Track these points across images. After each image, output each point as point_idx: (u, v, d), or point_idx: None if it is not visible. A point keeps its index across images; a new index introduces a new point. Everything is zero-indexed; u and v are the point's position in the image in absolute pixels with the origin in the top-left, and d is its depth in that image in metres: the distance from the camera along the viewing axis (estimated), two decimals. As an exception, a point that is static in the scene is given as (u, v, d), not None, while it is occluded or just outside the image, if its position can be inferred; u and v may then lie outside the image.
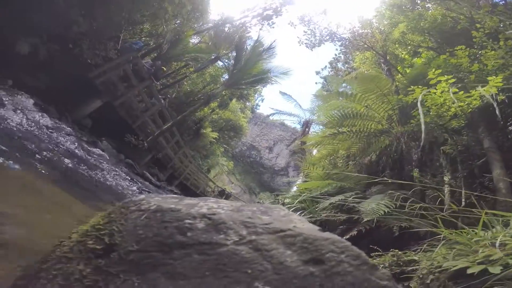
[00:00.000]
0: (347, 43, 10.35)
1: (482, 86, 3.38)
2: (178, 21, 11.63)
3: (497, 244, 1.58)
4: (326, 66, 19.45)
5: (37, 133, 4.73)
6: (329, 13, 20.98)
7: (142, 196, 1.07)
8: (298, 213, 4.87)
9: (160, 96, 11.54)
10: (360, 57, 10.14)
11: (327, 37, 10.21)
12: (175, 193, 10.49)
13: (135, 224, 0.94)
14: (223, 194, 19.53)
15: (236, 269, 0.78)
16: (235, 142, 26.09)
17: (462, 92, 3.73)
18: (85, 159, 5.46)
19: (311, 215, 5.04)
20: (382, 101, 5.77)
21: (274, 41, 15.06)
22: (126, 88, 8.94)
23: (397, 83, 6.76)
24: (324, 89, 16.99)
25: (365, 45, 8.62)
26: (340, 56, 15.72)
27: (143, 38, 12.44)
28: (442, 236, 2.05)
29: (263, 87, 22.39)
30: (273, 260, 0.80)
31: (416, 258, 2.33)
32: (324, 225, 5.15)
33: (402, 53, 8.80)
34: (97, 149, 7.10)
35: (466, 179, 4.03)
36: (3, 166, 2.88)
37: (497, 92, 3.33)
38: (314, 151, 9.78)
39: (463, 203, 3.37)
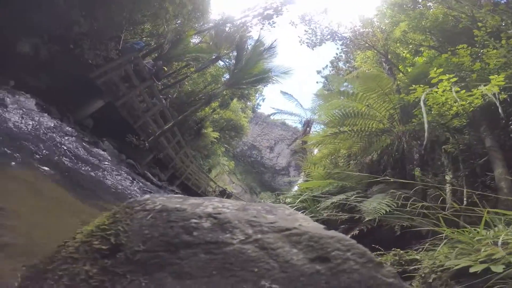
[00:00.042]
0: (348, 42, 10.34)
1: (484, 85, 3.38)
2: (179, 21, 11.63)
3: (499, 243, 1.58)
4: (327, 65, 19.43)
5: (39, 133, 4.74)
6: (330, 12, 20.95)
7: (147, 196, 1.07)
8: (300, 212, 4.87)
9: (161, 96, 11.55)
10: (361, 56, 10.13)
11: (328, 36, 10.20)
12: (177, 193, 10.51)
13: (140, 224, 0.94)
14: (224, 194, 19.53)
15: (242, 268, 0.78)
16: (236, 142, 26.09)
17: (464, 91, 3.73)
18: (87, 159, 5.47)
19: (312, 215, 5.04)
20: (383, 100, 5.76)
21: (275, 40, 15.07)
22: (127, 88, 8.95)
23: (399, 82, 6.75)
24: (325, 89, 16.97)
25: (366, 44, 8.61)
26: (341, 55, 15.69)
27: (144, 38, 12.46)
28: (444, 235, 2.05)
29: (264, 86, 22.43)
30: (279, 258, 0.80)
31: (418, 257, 2.33)
32: (326, 224, 5.09)
33: (404, 52, 8.78)
34: (99, 149, 7.11)
35: (468, 178, 4.03)
36: (5, 166, 2.89)
37: (499, 91, 3.32)
38: (315, 151, 9.79)
39: (465, 202, 3.37)
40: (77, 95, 7.73)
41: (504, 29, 4.90)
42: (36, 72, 6.98)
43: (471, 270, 1.49)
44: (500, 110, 2.94)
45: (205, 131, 18.12)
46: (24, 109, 5.24)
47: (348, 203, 4.37)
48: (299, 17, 10.60)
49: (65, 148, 5.02)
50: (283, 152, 40.33)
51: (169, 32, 11.18)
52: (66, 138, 5.65)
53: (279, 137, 41.89)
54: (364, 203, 3.97)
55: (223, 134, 20.89)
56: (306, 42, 10.60)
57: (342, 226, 5.23)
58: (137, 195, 6.00)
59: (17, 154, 3.28)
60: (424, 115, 2.69)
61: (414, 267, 2.21)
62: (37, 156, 3.81)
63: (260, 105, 39.87)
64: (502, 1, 6.10)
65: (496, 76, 3.42)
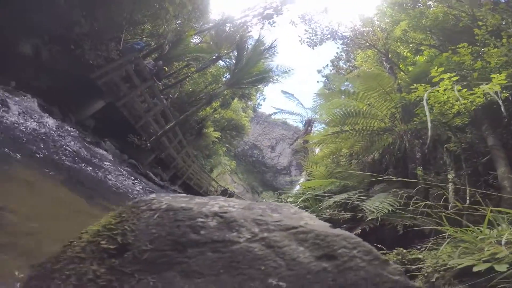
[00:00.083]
0: (348, 41, 10.32)
1: (486, 84, 3.38)
2: (179, 21, 11.65)
3: (503, 242, 1.58)
4: (327, 65, 19.41)
5: (41, 134, 4.76)
6: (330, 11, 20.94)
7: (153, 196, 1.08)
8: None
9: (162, 96, 11.56)
10: (362, 55, 10.11)
11: (329, 36, 10.18)
12: (179, 193, 10.52)
13: (147, 223, 0.94)
14: (226, 193, 19.55)
15: (250, 266, 0.79)
16: (237, 142, 26.10)
17: (465, 89, 3.72)
18: (89, 160, 5.49)
19: (314, 214, 5.03)
20: (384, 99, 5.76)
21: (275, 40, 15.06)
22: (128, 88, 8.97)
23: (400, 81, 6.74)
24: (326, 88, 16.95)
25: (367, 43, 8.60)
26: (342, 55, 15.69)
27: (144, 38, 12.47)
28: (447, 234, 2.05)
29: (265, 86, 22.42)
30: (286, 256, 0.81)
31: (420, 256, 2.32)
32: (328, 223, 5.13)
33: (404, 51, 8.78)
34: (101, 150, 7.13)
35: (471, 177, 4.02)
36: (8, 166, 2.91)
37: (500, 89, 3.32)
38: (317, 150, 9.79)
39: (467, 201, 3.36)
40: (78, 96, 7.75)
41: (505, 28, 4.89)
42: (37, 73, 7.00)
43: (475, 269, 1.49)
44: (502, 109, 2.94)
45: (206, 130, 18.14)
46: (26, 110, 5.25)
47: (351, 202, 4.37)
48: (299, 17, 10.59)
49: (67, 148, 5.04)
50: (284, 152, 40.34)
51: (169, 32, 11.19)
52: (68, 138, 5.67)
53: (280, 137, 41.89)
54: (367, 202, 3.97)
55: (224, 134, 20.91)
56: (307, 42, 10.58)
57: (344, 225, 5.22)
58: (140, 195, 6.02)
59: (19, 155, 3.30)
60: (427, 114, 2.69)
61: (417, 266, 2.20)
62: (40, 156, 3.83)
63: (261, 105, 39.94)
64: (502, 0, 6.09)
65: (498, 74, 3.42)
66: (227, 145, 23.63)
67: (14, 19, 6.10)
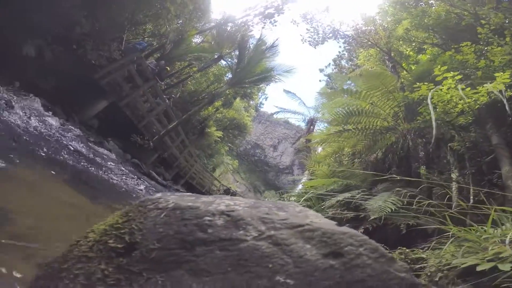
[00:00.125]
0: (350, 40, 10.30)
1: (490, 83, 3.36)
2: (180, 21, 11.68)
3: (507, 241, 1.58)
4: (329, 64, 19.33)
5: (44, 134, 4.80)
6: (331, 10, 20.85)
7: (159, 195, 1.09)
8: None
9: (164, 96, 11.60)
10: (364, 54, 10.08)
11: (330, 35, 10.15)
12: (182, 192, 10.55)
13: (154, 222, 0.95)
14: (228, 192, 19.57)
15: (257, 264, 0.80)
16: (239, 141, 26.14)
17: (469, 88, 3.71)
18: (93, 159, 5.52)
19: (317, 213, 5.03)
20: (387, 98, 5.74)
21: (277, 39, 15.06)
22: (131, 88, 9.00)
23: (403, 80, 6.72)
24: (328, 87, 16.91)
25: (369, 42, 8.57)
26: (344, 54, 15.65)
27: (146, 38, 12.50)
28: (450, 233, 2.05)
29: (267, 85, 22.38)
30: (293, 254, 0.81)
31: (424, 255, 2.32)
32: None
33: (407, 50, 8.73)
34: (104, 149, 7.17)
35: (474, 176, 4.00)
36: (12, 167, 2.93)
37: (505, 88, 3.30)
38: (319, 149, 9.77)
39: (471, 200, 3.35)
40: (82, 96, 7.79)
41: (508, 26, 4.86)
42: (40, 73, 7.04)
43: (478, 268, 1.49)
44: (506, 108, 2.93)
45: (209, 130, 18.18)
46: (30, 110, 5.29)
47: (353, 201, 4.36)
48: (301, 16, 10.58)
49: (70, 148, 5.07)
50: (286, 151, 40.33)
51: (171, 32, 11.22)
52: (72, 138, 5.70)
53: (283, 136, 41.88)
54: (370, 201, 3.96)
55: (226, 133, 20.94)
56: (308, 41, 10.57)
57: (347, 225, 5.20)
58: (143, 194, 6.05)
59: (23, 154, 3.32)
60: (432, 113, 2.68)
61: (420, 265, 2.20)
62: (43, 156, 3.85)
63: (263, 104, 39.87)
64: (505, -1, 6.04)
65: (502, 73, 3.41)
66: (229, 145, 23.66)
67: (14, 19, 6.09)
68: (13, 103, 4.89)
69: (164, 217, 0.96)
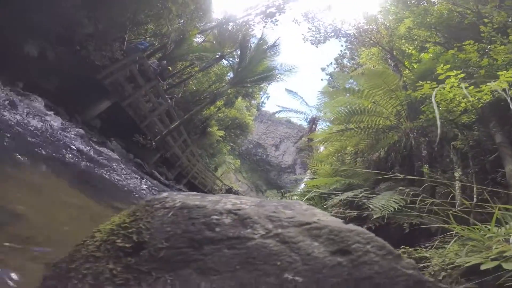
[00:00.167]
0: (352, 39, 10.27)
1: (493, 81, 3.35)
2: (182, 21, 11.70)
3: (511, 240, 1.57)
4: (331, 63, 19.28)
5: (48, 134, 4.82)
6: (333, 9, 20.81)
7: (165, 194, 1.09)
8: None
9: (166, 96, 11.63)
10: (366, 53, 10.05)
11: (332, 34, 10.13)
12: (184, 192, 10.57)
13: (162, 221, 0.95)
14: (230, 192, 19.58)
15: (265, 261, 0.80)
16: (241, 140, 26.15)
17: (472, 87, 3.70)
18: (96, 159, 5.55)
19: (320, 212, 5.02)
20: (390, 97, 5.73)
21: (278, 38, 15.08)
22: (133, 88, 9.03)
23: (405, 79, 6.70)
24: (330, 86, 16.89)
25: (371, 41, 8.55)
26: (346, 52, 15.60)
27: (148, 38, 12.53)
28: (454, 232, 2.05)
29: (269, 84, 22.37)
30: (301, 251, 0.82)
31: (427, 254, 2.32)
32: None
33: (409, 49, 8.70)
34: (107, 149, 7.20)
35: (478, 175, 3.99)
36: (15, 167, 2.95)
37: (508, 86, 3.29)
38: (321, 148, 9.76)
39: (475, 199, 3.34)
40: (84, 96, 7.83)
41: (511, 25, 4.83)
42: (43, 74, 7.07)
43: (482, 267, 1.49)
44: (511, 106, 2.91)
45: (211, 129, 18.20)
46: (33, 110, 5.32)
47: (356, 200, 4.36)
48: (302, 15, 10.55)
49: (73, 148, 5.10)
50: (288, 150, 40.30)
51: (172, 32, 11.24)
52: (75, 138, 5.73)
53: (285, 135, 41.85)
54: (372, 200, 3.95)
55: (228, 133, 20.96)
56: (310, 40, 10.54)
57: (350, 224, 5.21)
58: (146, 194, 6.07)
59: (26, 155, 3.34)
60: (436, 111, 2.67)
61: (423, 264, 2.20)
62: (46, 156, 3.88)
63: (264, 103, 39.82)
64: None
65: (505, 72, 3.39)
66: (231, 144, 23.69)
67: (14, 19, 6.09)
68: (17, 103, 4.92)
69: (171, 216, 0.96)
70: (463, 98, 3.81)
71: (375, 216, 3.77)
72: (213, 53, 15.14)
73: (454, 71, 3.78)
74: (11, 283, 1.32)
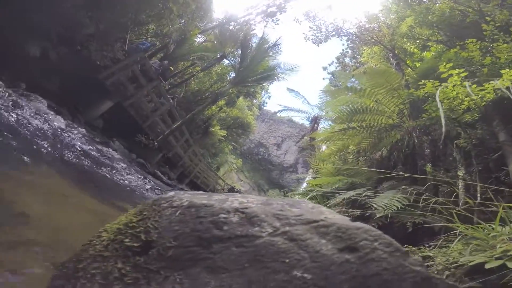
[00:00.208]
0: (354, 38, 10.25)
1: (497, 79, 3.34)
2: (183, 21, 11.70)
3: (515, 239, 1.57)
4: (333, 62, 19.24)
5: (51, 134, 4.84)
6: (334, 8, 20.77)
7: (172, 193, 1.09)
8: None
9: (168, 96, 11.66)
10: (368, 51, 10.02)
11: (333, 32, 10.10)
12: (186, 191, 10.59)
13: (170, 220, 0.96)
14: (232, 191, 19.62)
15: (273, 259, 0.81)
16: (243, 140, 26.16)
17: (475, 85, 3.69)
18: (99, 159, 5.57)
19: (322, 212, 5.02)
20: (392, 96, 5.71)
21: (279, 38, 15.05)
22: (135, 88, 9.05)
23: (407, 77, 6.68)
24: (332, 85, 16.86)
25: (373, 40, 8.53)
26: (347, 51, 15.57)
27: (149, 38, 12.55)
28: (457, 231, 2.04)
29: (270, 84, 22.36)
30: (309, 249, 0.83)
31: (430, 254, 2.31)
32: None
33: (411, 47, 8.68)
34: (110, 149, 7.22)
35: (481, 173, 3.97)
36: (18, 167, 2.97)
37: (511, 84, 3.28)
38: (323, 147, 9.75)
39: (478, 198, 3.33)
40: (86, 96, 7.85)
41: (513, 24, 4.81)
42: (45, 74, 7.09)
43: (487, 266, 1.49)
44: (514, 104, 2.91)
45: (213, 129, 18.23)
46: (36, 111, 5.35)
47: (359, 199, 4.35)
48: (303, 14, 10.52)
49: (76, 148, 5.12)
50: (290, 149, 40.28)
51: (173, 31, 11.25)
52: (78, 138, 5.76)
53: (286, 134, 41.83)
54: (375, 199, 3.95)
55: (230, 132, 20.98)
56: (311, 39, 10.52)
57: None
58: (150, 194, 6.09)
59: (29, 155, 3.36)
60: (441, 110, 2.66)
61: (427, 264, 2.20)
62: (49, 156, 3.90)
63: (266, 103, 39.83)
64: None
65: (508, 70, 3.38)
66: (233, 143, 23.70)
67: (14, 19, 6.08)
68: (20, 104, 4.95)
69: (179, 215, 0.97)
70: (466, 97, 3.80)
71: (378, 215, 3.77)
72: (214, 52, 15.15)
73: (456, 69, 3.77)
74: (17, 283, 1.32)
